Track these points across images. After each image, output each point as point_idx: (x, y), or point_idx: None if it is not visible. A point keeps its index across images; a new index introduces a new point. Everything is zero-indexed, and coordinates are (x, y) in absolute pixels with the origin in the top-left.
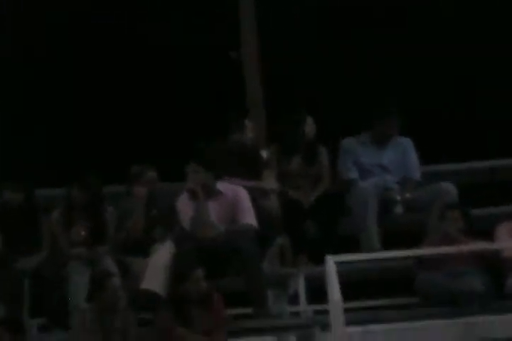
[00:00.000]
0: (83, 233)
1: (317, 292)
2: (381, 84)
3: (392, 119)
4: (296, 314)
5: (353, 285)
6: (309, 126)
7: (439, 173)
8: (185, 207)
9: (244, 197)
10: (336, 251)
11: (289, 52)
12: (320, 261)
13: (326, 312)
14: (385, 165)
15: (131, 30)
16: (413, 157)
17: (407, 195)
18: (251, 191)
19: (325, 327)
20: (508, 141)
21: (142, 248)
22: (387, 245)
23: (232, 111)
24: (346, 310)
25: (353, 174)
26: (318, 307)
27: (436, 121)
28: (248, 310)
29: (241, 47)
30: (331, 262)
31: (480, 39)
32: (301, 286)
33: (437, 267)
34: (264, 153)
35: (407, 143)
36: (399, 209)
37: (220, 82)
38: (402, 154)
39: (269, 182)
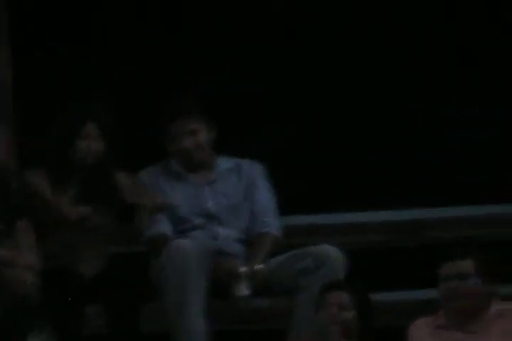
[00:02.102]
0: None
1: None
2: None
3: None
4: None
5: None
6: (92, 131)
7: (315, 228)
8: None
9: None
10: None
11: None
12: None
13: None
14: (212, 210)
15: None
16: (264, 195)
17: (258, 266)
18: None
19: None
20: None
21: None
22: None
23: None
24: None
25: (162, 227)
26: None
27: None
28: None
29: None
30: None
31: None
32: None
33: None
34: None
35: (251, 169)
36: (243, 291)
37: None
38: (242, 189)
39: (24, 250)
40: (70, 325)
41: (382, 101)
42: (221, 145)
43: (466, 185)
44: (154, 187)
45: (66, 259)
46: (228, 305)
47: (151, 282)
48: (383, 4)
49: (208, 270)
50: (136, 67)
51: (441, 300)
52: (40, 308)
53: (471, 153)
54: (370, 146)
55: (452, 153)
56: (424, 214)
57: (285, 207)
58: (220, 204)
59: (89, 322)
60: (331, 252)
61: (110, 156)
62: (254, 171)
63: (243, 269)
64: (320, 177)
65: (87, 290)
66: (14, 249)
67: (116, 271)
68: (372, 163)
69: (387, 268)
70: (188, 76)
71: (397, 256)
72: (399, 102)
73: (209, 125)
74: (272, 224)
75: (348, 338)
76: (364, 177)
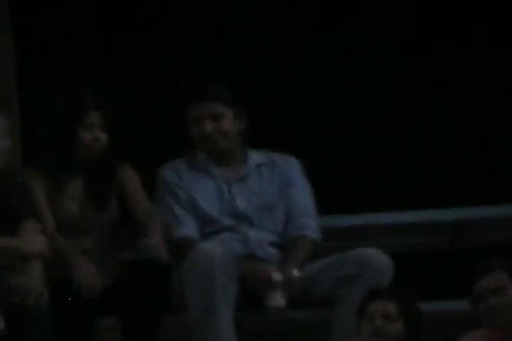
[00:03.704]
0: None
1: None
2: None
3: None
4: None
5: None
6: (97, 118)
7: (356, 229)
8: None
9: None
10: None
11: None
12: None
13: None
14: (242, 210)
15: None
16: (302, 194)
17: (295, 273)
18: None
19: None
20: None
21: None
22: None
23: None
24: None
25: (188, 228)
26: None
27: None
28: None
29: None
30: None
31: None
32: None
33: None
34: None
35: (286, 165)
36: (278, 301)
37: None
38: (277, 187)
39: (32, 238)
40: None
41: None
42: (252, 138)
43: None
44: (177, 184)
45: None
46: (261, 316)
47: (173, 291)
48: None
49: (238, 277)
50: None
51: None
52: (49, 322)
53: None
54: (414, 144)
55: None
56: (467, 213)
57: (324, 207)
58: (252, 204)
59: (102, 336)
60: (375, 256)
61: (112, 150)
62: (290, 167)
63: (278, 276)
64: (362, 175)
65: (100, 301)
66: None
67: (132, 278)
68: (415, 162)
69: (436, 273)
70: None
71: (446, 260)
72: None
73: (238, 113)
74: (310, 226)
75: None
76: (407, 175)
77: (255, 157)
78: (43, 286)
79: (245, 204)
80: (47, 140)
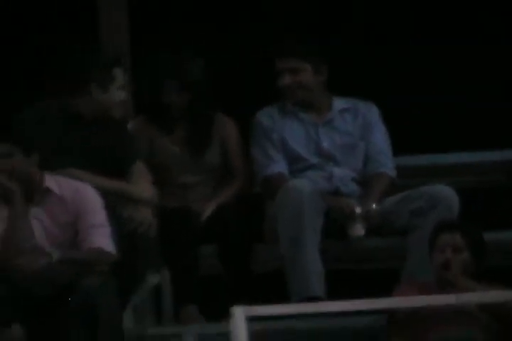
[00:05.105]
0: None
1: None
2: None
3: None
4: None
5: None
6: (197, 73)
7: (428, 169)
8: None
9: (94, 201)
10: (248, 299)
11: None
12: (221, 314)
13: None
14: (326, 149)
15: None
16: (380, 136)
17: (374, 206)
18: (107, 196)
19: None
20: None
21: None
22: (335, 291)
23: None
24: None
25: (279, 166)
26: None
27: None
28: None
29: None
30: (240, 317)
31: None
32: None
33: (422, 333)
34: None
35: (367, 111)
36: (358, 230)
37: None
38: (359, 130)
39: (141, 185)
40: (186, 264)
41: None
42: (336, 87)
43: None
44: (270, 127)
45: (181, 200)
46: (343, 244)
47: (266, 222)
48: None
49: (324, 210)
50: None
51: None
52: (158, 248)
53: None
54: (479, 87)
55: None
56: None
57: (399, 148)
58: (336, 144)
59: (204, 262)
60: (445, 192)
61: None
62: (371, 112)
63: (358, 209)
64: (433, 117)
65: (202, 231)
66: (132, 185)
67: (229, 211)
68: (483, 103)
69: (500, 208)
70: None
71: (508, 195)
72: None
73: (317, 67)
74: (387, 164)
75: (461, 280)
76: (477, 117)
77: (339, 103)
78: (152, 217)
79: (330, 144)
80: (151, 93)
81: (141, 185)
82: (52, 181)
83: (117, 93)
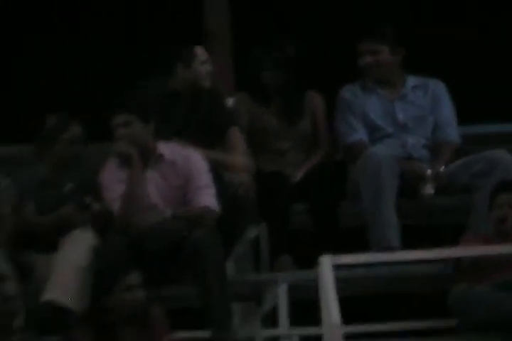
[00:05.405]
0: None
1: (305, 309)
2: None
3: (383, 43)
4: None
5: (359, 300)
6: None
7: (488, 137)
8: (111, 180)
9: (201, 166)
10: (334, 249)
11: None
12: (311, 263)
13: (317, 338)
14: (401, 120)
15: None
16: (447, 109)
17: (442, 169)
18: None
19: None
20: None
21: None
22: (409, 242)
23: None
24: (347, 337)
25: (360, 134)
26: (306, 331)
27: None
28: (205, 334)
29: None
30: (327, 265)
31: None
32: (282, 300)
33: (484, 277)
34: (232, 104)
35: (436, 87)
36: (429, 190)
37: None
38: (429, 103)
39: (238, 154)
40: (281, 220)
41: None
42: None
43: None
44: (353, 101)
45: (276, 165)
46: (416, 202)
47: (348, 184)
48: None
49: (399, 173)
50: None
51: None
52: (256, 206)
53: None
54: None
55: None
56: None
57: (464, 118)
58: (409, 116)
59: (295, 218)
60: (503, 156)
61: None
62: (439, 89)
63: (429, 172)
64: (496, 92)
65: (294, 191)
66: (228, 153)
67: (317, 174)
68: None
69: None
70: None
71: None
72: None
73: (393, 48)
74: (453, 133)
75: None
76: None
77: (412, 80)
78: (251, 180)
79: (404, 116)
80: (251, 72)
81: (236, 155)
82: (165, 148)
83: (201, 67)
